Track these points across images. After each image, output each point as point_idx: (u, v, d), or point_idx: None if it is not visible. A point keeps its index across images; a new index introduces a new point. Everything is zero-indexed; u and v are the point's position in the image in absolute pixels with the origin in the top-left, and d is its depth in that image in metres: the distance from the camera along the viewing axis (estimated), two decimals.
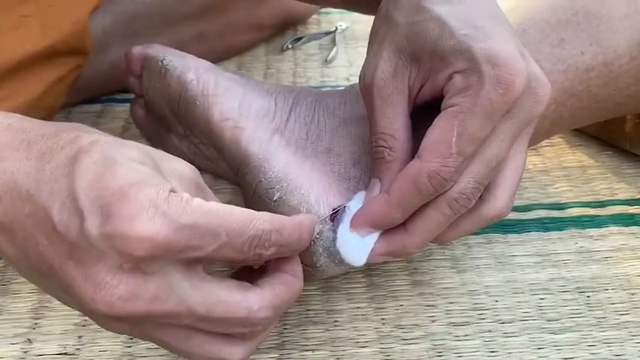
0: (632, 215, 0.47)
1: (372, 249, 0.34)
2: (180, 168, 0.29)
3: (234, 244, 0.28)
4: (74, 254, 0.27)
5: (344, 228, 0.35)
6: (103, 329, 0.36)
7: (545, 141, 0.54)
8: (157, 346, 0.35)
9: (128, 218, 0.25)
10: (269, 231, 0.28)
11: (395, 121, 0.32)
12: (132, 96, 0.52)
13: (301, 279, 0.32)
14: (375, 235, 0.34)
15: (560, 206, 0.48)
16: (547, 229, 0.46)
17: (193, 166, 0.30)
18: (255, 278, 0.31)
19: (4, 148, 0.28)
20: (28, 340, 0.37)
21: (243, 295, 0.29)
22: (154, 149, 0.30)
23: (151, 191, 0.26)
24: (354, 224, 0.34)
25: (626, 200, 0.48)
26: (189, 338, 0.29)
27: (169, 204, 0.26)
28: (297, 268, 0.32)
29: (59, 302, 0.34)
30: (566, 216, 0.47)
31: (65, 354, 0.36)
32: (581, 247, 0.44)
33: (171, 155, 0.30)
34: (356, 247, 0.34)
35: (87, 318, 0.37)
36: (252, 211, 0.29)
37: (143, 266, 0.26)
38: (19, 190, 0.27)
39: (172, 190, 0.27)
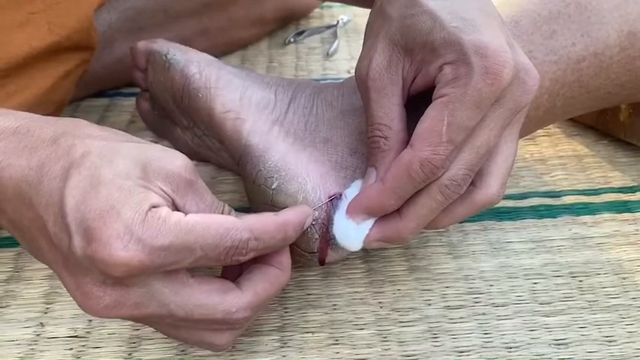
0: (626, 202, 0.48)
1: (367, 235, 0.35)
2: (169, 167, 0.30)
3: (210, 256, 0.29)
4: (67, 264, 0.29)
5: (340, 215, 0.36)
6: None
7: (542, 131, 0.55)
8: (168, 338, 0.36)
9: (106, 245, 0.27)
10: (246, 240, 0.30)
11: (390, 112, 0.33)
12: (138, 90, 0.53)
13: (287, 271, 0.33)
14: (371, 222, 0.35)
15: (555, 194, 0.49)
16: (542, 217, 0.47)
17: (187, 160, 0.31)
18: (245, 268, 0.33)
19: (10, 155, 0.30)
20: (41, 323, 0.39)
21: (221, 299, 0.31)
22: (149, 147, 0.31)
23: (127, 215, 0.28)
24: (350, 211, 0.35)
25: (619, 188, 0.49)
26: (177, 329, 0.32)
27: (145, 227, 0.28)
28: (284, 259, 0.33)
29: None
30: (560, 203, 0.48)
31: (76, 337, 0.38)
32: (575, 233, 0.45)
33: (165, 151, 0.31)
34: (352, 233, 0.36)
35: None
36: (232, 219, 0.30)
37: (124, 281, 0.29)
38: (22, 197, 0.30)
39: (154, 205, 0.29)
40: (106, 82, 0.60)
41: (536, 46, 0.41)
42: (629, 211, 0.47)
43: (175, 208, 0.30)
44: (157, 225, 0.28)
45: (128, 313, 0.29)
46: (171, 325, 0.31)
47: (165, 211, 0.29)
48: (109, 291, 0.29)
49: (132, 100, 0.58)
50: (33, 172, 0.29)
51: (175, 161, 0.31)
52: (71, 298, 0.39)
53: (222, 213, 0.32)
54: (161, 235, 0.28)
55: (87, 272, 0.29)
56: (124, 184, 0.28)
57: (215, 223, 0.29)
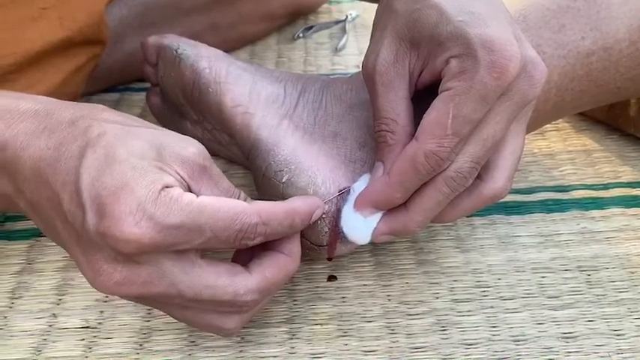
0: (635, 197, 0.48)
1: (375, 228, 0.36)
2: (184, 153, 0.31)
3: (220, 238, 0.30)
4: (80, 241, 0.30)
5: (348, 208, 0.36)
6: (122, 305, 0.39)
7: (551, 125, 0.55)
8: (173, 321, 0.37)
9: (118, 221, 0.28)
10: (255, 224, 0.30)
11: (396, 106, 0.34)
12: (148, 85, 0.53)
13: (297, 258, 0.34)
14: (378, 215, 0.36)
15: (564, 189, 0.49)
16: (550, 211, 0.47)
17: (201, 147, 0.32)
18: (256, 254, 0.33)
19: (30, 137, 0.31)
20: (53, 314, 0.39)
21: (230, 280, 0.31)
22: (163, 133, 0.31)
23: (141, 193, 0.28)
24: (358, 205, 0.36)
25: (629, 183, 0.49)
26: (185, 310, 0.32)
27: (157, 205, 0.28)
28: (293, 247, 0.33)
29: (82, 280, 0.37)
30: (569, 198, 0.48)
31: (88, 327, 0.38)
32: (584, 227, 0.45)
33: (180, 137, 0.32)
34: (360, 226, 0.36)
35: (107, 295, 0.40)
36: (243, 204, 0.31)
37: (135, 258, 0.29)
38: (41, 176, 0.30)
39: (167, 185, 0.29)
40: (116, 77, 0.61)
41: (545, 41, 0.41)
42: (638, 205, 0.47)
43: (191, 193, 0.31)
44: (169, 204, 0.28)
45: (137, 291, 0.30)
46: (180, 306, 0.32)
47: (177, 191, 0.29)
48: (120, 268, 0.29)
49: (142, 95, 0.58)
50: (51, 152, 0.30)
51: (190, 148, 0.31)
52: (83, 290, 0.41)
53: (238, 199, 0.32)
54: (173, 213, 0.28)
55: (99, 249, 0.29)
56: (138, 163, 0.29)
57: (226, 206, 0.30)
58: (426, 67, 0.33)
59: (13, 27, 0.43)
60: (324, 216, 0.36)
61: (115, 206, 0.28)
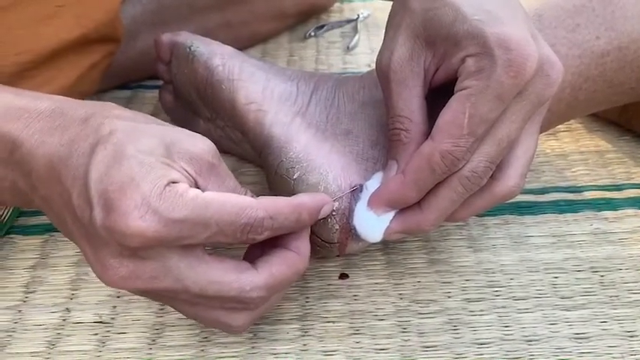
0: None
1: (388, 227, 0.36)
2: (193, 149, 0.31)
3: (226, 232, 0.30)
4: (88, 236, 0.30)
5: (361, 206, 0.36)
6: (135, 300, 0.40)
7: (563, 126, 0.55)
8: (186, 317, 0.37)
9: (124, 215, 0.28)
10: (262, 218, 0.31)
11: (410, 104, 0.34)
12: (160, 82, 0.54)
13: (305, 256, 0.34)
14: (392, 213, 0.36)
15: (576, 189, 0.49)
16: (563, 211, 0.47)
17: (211, 144, 0.32)
18: (266, 251, 0.33)
19: (45, 134, 0.32)
20: (67, 309, 0.40)
21: (236, 276, 0.31)
22: (173, 130, 0.32)
23: (146, 187, 0.29)
24: (372, 203, 0.36)
25: None
26: (192, 306, 0.32)
27: (162, 200, 0.29)
28: (302, 245, 0.33)
29: (95, 275, 0.37)
30: (582, 199, 0.48)
31: (101, 322, 0.39)
32: (597, 228, 0.45)
33: (189, 134, 0.32)
34: (372, 224, 0.36)
35: (120, 290, 0.40)
36: (249, 199, 0.31)
37: (140, 253, 0.29)
38: (53, 171, 0.31)
39: (173, 181, 0.29)
40: (129, 75, 0.61)
41: (560, 40, 0.41)
42: None
43: (197, 189, 0.31)
44: (174, 199, 0.29)
45: (143, 286, 0.30)
46: (187, 302, 0.32)
47: (183, 186, 0.29)
48: (126, 262, 0.30)
49: (154, 93, 0.58)
50: (63, 149, 0.31)
51: (199, 144, 0.31)
52: (96, 285, 0.41)
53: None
54: (177, 208, 0.29)
55: (106, 243, 0.29)
56: (145, 159, 0.29)
57: (232, 201, 0.30)
58: (441, 66, 0.33)
59: (30, 24, 0.43)
60: (334, 213, 0.36)
61: (122, 201, 0.28)
